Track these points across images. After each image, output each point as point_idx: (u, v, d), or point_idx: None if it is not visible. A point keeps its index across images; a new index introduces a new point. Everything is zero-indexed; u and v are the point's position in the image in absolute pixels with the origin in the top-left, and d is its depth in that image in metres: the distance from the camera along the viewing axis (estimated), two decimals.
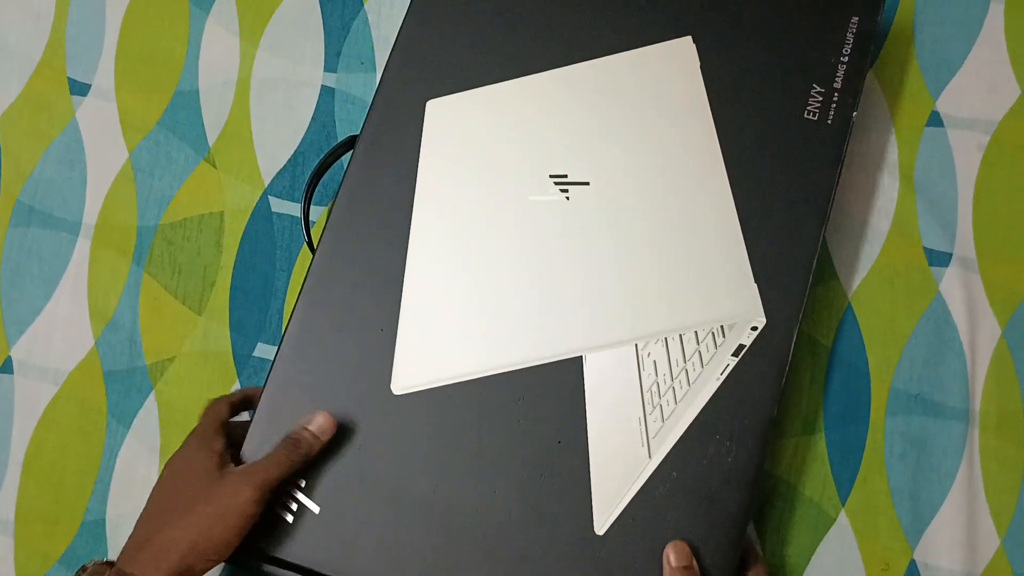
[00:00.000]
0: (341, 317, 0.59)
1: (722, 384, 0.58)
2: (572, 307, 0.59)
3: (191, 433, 0.57)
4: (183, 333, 0.69)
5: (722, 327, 0.59)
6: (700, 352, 0.59)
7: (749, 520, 0.57)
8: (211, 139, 0.72)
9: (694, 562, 0.55)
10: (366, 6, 0.75)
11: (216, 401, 0.59)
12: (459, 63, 0.64)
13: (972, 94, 0.72)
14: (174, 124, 0.73)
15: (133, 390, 0.68)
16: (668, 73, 0.63)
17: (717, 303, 0.59)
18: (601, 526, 0.56)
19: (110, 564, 0.52)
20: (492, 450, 0.57)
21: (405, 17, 0.65)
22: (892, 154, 0.70)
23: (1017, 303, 0.67)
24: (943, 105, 0.72)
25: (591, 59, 0.64)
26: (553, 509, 0.56)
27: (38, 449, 0.67)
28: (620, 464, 0.57)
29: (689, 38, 0.64)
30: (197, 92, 0.74)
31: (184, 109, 0.73)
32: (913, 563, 0.63)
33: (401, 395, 0.58)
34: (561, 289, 0.60)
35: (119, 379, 0.68)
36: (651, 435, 0.57)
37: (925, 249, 0.68)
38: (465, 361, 0.58)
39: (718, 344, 0.59)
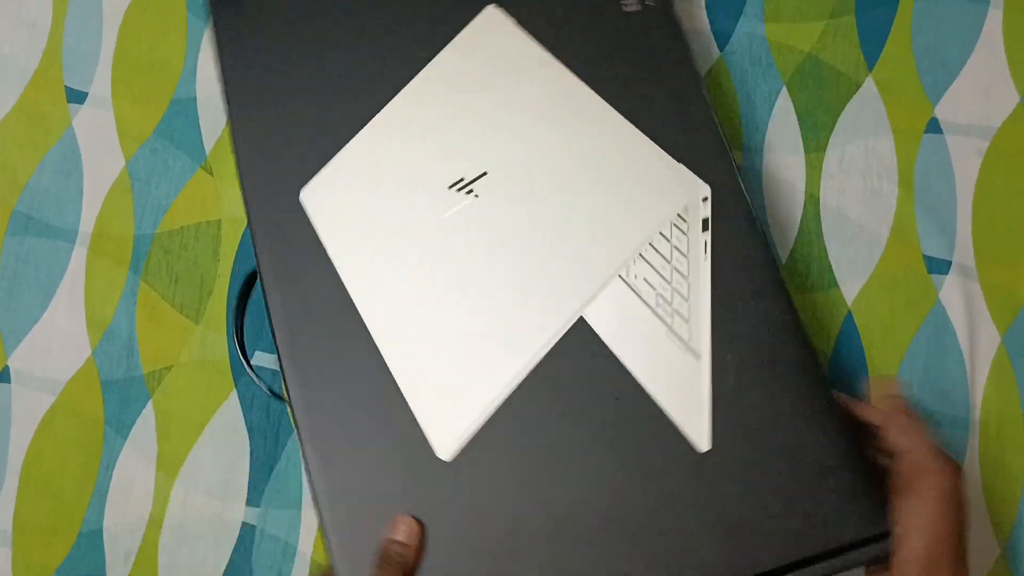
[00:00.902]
0: (350, 429, 0.56)
1: (713, 260, 0.58)
2: (543, 283, 0.58)
3: None
4: (180, 342, 0.69)
5: (679, 216, 0.59)
6: (676, 247, 0.59)
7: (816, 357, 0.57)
8: (208, 147, 0.72)
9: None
10: None
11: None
12: (304, 141, 0.61)
13: (970, 100, 0.72)
14: (171, 132, 0.73)
15: (130, 399, 0.67)
16: (494, 43, 0.64)
17: (661, 199, 0.60)
18: (703, 442, 0.55)
19: None
20: (565, 447, 0.55)
21: (230, 122, 0.63)
22: (891, 160, 0.70)
23: (1016, 310, 0.67)
24: (942, 111, 0.71)
25: (418, 71, 0.63)
26: (652, 460, 0.54)
27: (36, 459, 0.67)
28: (680, 380, 0.56)
29: (492, 6, 0.64)
30: (194, 100, 0.73)
31: (181, 117, 0.73)
32: None
33: (451, 459, 0.55)
34: (523, 275, 0.59)
35: (116, 388, 0.68)
36: (687, 339, 0.57)
37: (924, 256, 0.68)
38: (484, 389, 0.57)
39: (686, 231, 0.59)
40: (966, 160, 0.70)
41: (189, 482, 0.66)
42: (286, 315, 0.57)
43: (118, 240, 0.71)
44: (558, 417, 0.55)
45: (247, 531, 0.65)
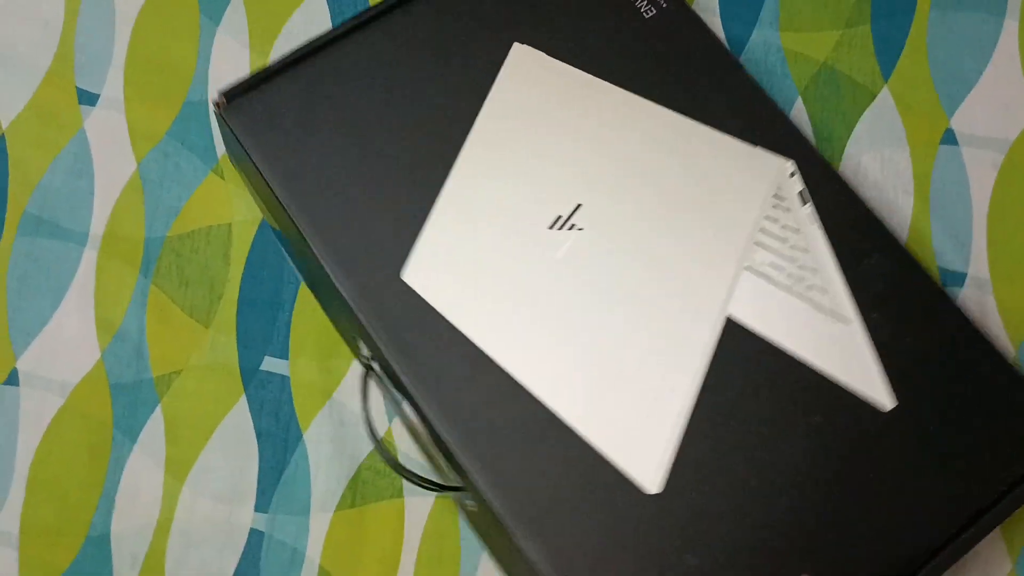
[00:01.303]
0: (550, 497, 0.55)
1: (823, 227, 0.60)
2: (677, 293, 0.59)
3: None
4: (190, 346, 0.68)
5: (776, 196, 0.61)
6: (785, 226, 0.60)
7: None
8: (220, 151, 0.72)
9: None
10: None
11: None
12: (385, 227, 0.61)
13: (987, 112, 0.72)
14: (183, 135, 0.73)
15: (139, 403, 0.67)
16: (535, 77, 0.64)
17: (753, 185, 0.61)
18: (887, 400, 0.56)
19: None
20: (760, 446, 0.56)
21: (306, 244, 0.62)
22: (907, 171, 0.70)
23: None
24: (957, 123, 0.71)
25: (470, 125, 0.63)
26: (845, 435, 0.56)
27: (43, 462, 0.67)
28: (841, 348, 0.58)
29: (517, 44, 0.65)
30: (207, 103, 0.73)
31: (193, 120, 0.73)
32: None
33: (660, 490, 0.55)
34: (654, 292, 0.59)
35: (125, 392, 0.67)
36: (832, 308, 0.58)
37: (939, 269, 0.68)
38: (666, 412, 0.56)
39: (788, 208, 0.61)
40: (982, 172, 0.70)
41: (197, 487, 0.65)
42: (438, 401, 0.56)
43: (129, 243, 0.70)
44: (743, 419, 0.56)
45: (255, 536, 0.65)
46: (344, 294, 0.58)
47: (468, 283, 0.59)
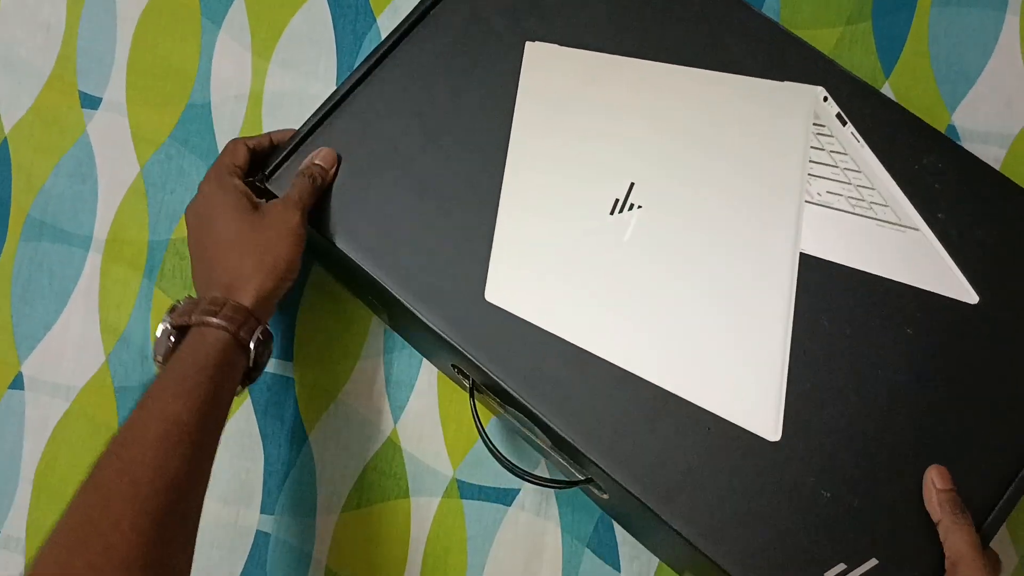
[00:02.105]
0: (688, 468, 0.57)
1: (868, 142, 0.62)
2: (748, 244, 0.60)
3: (209, 177, 0.60)
4: None
5: (815, 125, 0.62)
6: (832, 152, 0.61)
7: None
8: None
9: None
10: (378, 20, 0.75)
11: (236, 143, 0.62)
12: (457, 258, 0.61)
13: (988, 107, 0.71)
14: (186, 138, 0.73)
15: None
16: (556, 68, 0.64)
17: (791, 120, 0.63)
18: (971, 295, 0.59)
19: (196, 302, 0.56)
20: (866, 373, 0.57)
21: (394, 299, 0.62)
22: None
23: None
24: (959, 118, 0.71)
25: (507, 130, 0.63)
26: (941, 339, 0.58)
27: (49, 466, 0.67)
28: (918, 256, 0.60)
29: (529, 43, 0.65)
30: (209, 106, 0.73)
31: (196, 123, 0.73)
32: None
33: (780, 438, 0.57)
34: (726, 247, 0.60)
35: (130, 396, 0.67)
36: (898, 220, 0.60)
37: None
38: (768, 362, 0.58)
39: (830, 133, 0.62)
40: None
41: None
42: (554, 408, 0.57)
43: (133, 246, 0.71)
44: (838, 348, 0.58)
45: (261, 538, 0.65)
46: (439, 331, 0.58)
47: (548, 287, 0.59)
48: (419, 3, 0.65)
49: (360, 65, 0.64)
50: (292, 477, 0.66)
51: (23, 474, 0.66)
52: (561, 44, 0.65)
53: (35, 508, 0.66)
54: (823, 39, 0.73)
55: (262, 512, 0.65)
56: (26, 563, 0.65)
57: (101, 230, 0.71)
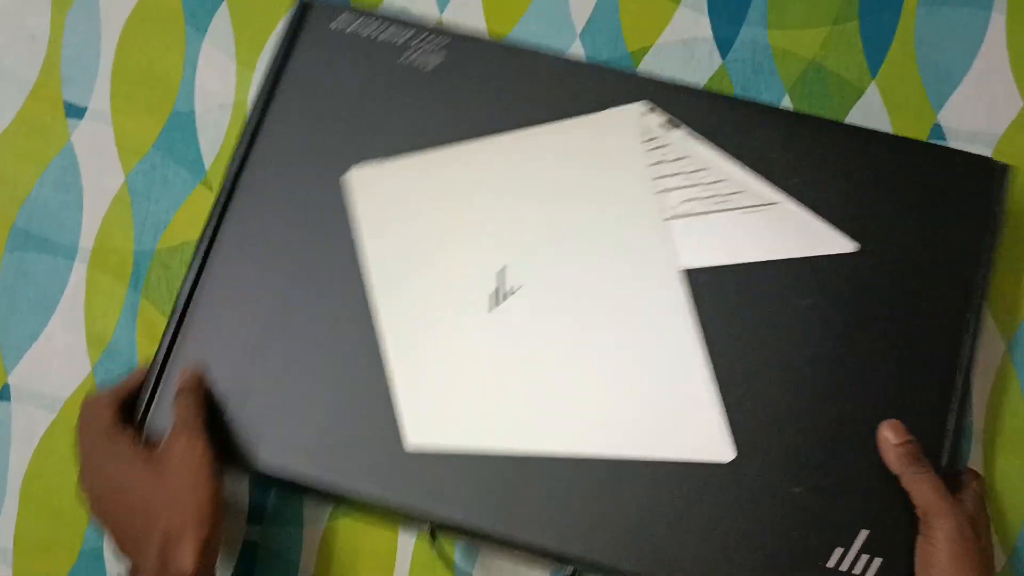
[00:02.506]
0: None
1: (702, 138, 0.63)
2: (638, 288, 0.60)
3: (90, 449, 0.57)
4: None
5: (649, 140, 0.63)
6: (674, 159, 0.62)
7: None
8: (207, 162, 0.72)
9: (911, 436, 0.56)
10: None
11: (92, 401, 0.59)
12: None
13: (974, 107, 0.71)
14: (170, 147, 0.73)
15: None
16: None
17: (625, 146, 0.62)
18: (849, 246, 0.60)
19: None
20: (777, 356, 0.59)
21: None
22: None
23: (1021, 318, 0.67)
24: (945, 118, 0.71)
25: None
26: (836, 299, 0.59)
27: (36, 477, 0.67)
28: (787, 228, 0.61)
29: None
30: (193, 115, 0.73)
31: (180, 131, 0.73)
32: None
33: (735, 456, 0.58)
34: (616, 294, 0.60)
35: None
36: (759, 202, 0.61)
37: None
38: (694, 387, 0.58)
39: (664, 141, 0.63)
40: None
41: None
42: (521, 524, 0.57)
43: (118, 255, 0.70)
44: (752, 344, 0.59)
45: (248, 549, 0.65)
46: (382, 502, 0.58)
47: (463, 407, 0.59)
48: (225, 177, 0.64)
49: (191, 265, 0.62)
50: (279, 487, 0.66)
51: (10, 485, 0.67)
52: (383, 158, 0.64)
53: (22, 519, 0.66)
54: (810, 39, 0.73)
55: (249, 522, 0.65)
56: (14, 574, 0.65)
57: (86, 240, 0.71)
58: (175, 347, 0.61)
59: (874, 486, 0.56)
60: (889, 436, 0.56)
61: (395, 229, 0.62)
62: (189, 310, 0.61)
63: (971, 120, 0.71)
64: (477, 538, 0.59)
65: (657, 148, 0.61)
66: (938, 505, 0.54)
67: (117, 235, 0.71)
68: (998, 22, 0.72)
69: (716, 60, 0.73)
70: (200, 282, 0.62)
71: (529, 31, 0.74)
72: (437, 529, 0.59)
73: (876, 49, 0.73)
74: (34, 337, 0.69)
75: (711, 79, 0.73)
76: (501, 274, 0.60)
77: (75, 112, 0.74)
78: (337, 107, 0.65)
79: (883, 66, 0.73)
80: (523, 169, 0.62)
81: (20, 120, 0.74)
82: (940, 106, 0.71)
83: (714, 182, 0.61)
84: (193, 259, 0.62)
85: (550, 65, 0.65)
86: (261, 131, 0.65)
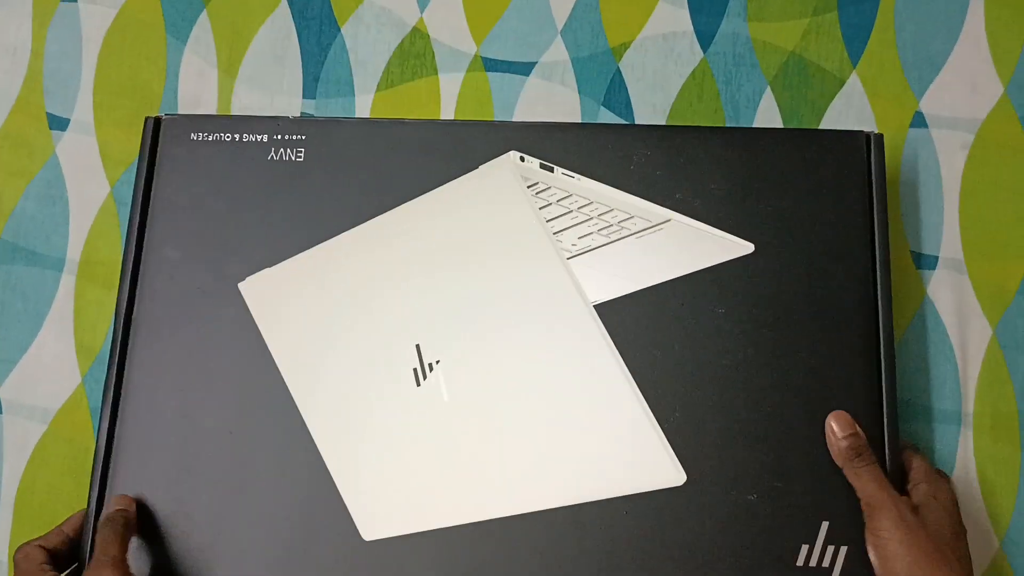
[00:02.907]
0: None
1: (580, 173, 0.63)
2: (556, 333, 0.60)
3: None
4: None
5: (529, 187, 0.62)
6: (557, 203, 0.62)
7: None
8: None
9: (858, 428, 0.57)
10: (343, 30, 0.75)
11: (26, 549, 0.57)
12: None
13: (955, 93, 0.71)
14: None
15: None
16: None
17: (509, 198, 0.62)
18: (747, 248, 0.61)
19: None
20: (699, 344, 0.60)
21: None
22: None
23: (1008, 302, 0.67)
24: (926, 105, 0.71)
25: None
26: (744, 304, 0.61)
27: (29, 489, 0.67)
28: (683, 243, 0.62)
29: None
30: None
31: None
32: None
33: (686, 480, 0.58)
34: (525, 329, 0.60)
35: None
36: (648, 224, 0.62)
37: (912, 253, 0.68)
38: (636, 417, 0.59)
39: (546, 183, 0.62)
40: (952, 154, 0.70)
41: None
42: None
43: (106, 266, 0.71)
44: (678, 363, 0.60)
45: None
46: None
47: (411, 489, 0.59)
48: (116, 312, 0.63)
49: (104, 399, 0.62)
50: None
51: (3, 498, 0.67)
52: (272, 259, 0.63)
53: (16, 532, 0.66)
54: (790, 31, 0.73)
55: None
56: None
57: (74, 251, 0.71)
58: (107, 486, 0.60)
59: (826, 477, 0.57)
60: (833, 428, 0.57)
61: (299, 331, 0.62)
62: (113, 446, 0.61)
63: (952, 106, 0.71)
64: None
65: (540, 192, 0.62)
66: (878, 496, 0.55)
67: (104, 246, 0.71)
68: (977, 8, 0.73)
69: (697, 54, 0.73)
70: (118, 415, 0.61)
71: (510, 29, 0.74)
72: None
73: (856, 39, 0.73)
74: (24, 349, 0.69)
75: (693, 73, 0.73)
76: (419, 352, 0.60)
77: (58, 124, 0.74)
78: (218, 214, 0.64)
79: (863, 55, 0.73)
80: (414, 244, 0.62)
81: (3, 134, 0.74)
82: (922, 93, 0.72)
83: (603, 213, 0.61)
84: (104, 393, 0.62)
85: (414, 131, 0.65)
86: (145, 255, 0.64)
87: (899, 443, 0.59)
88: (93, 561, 0.55)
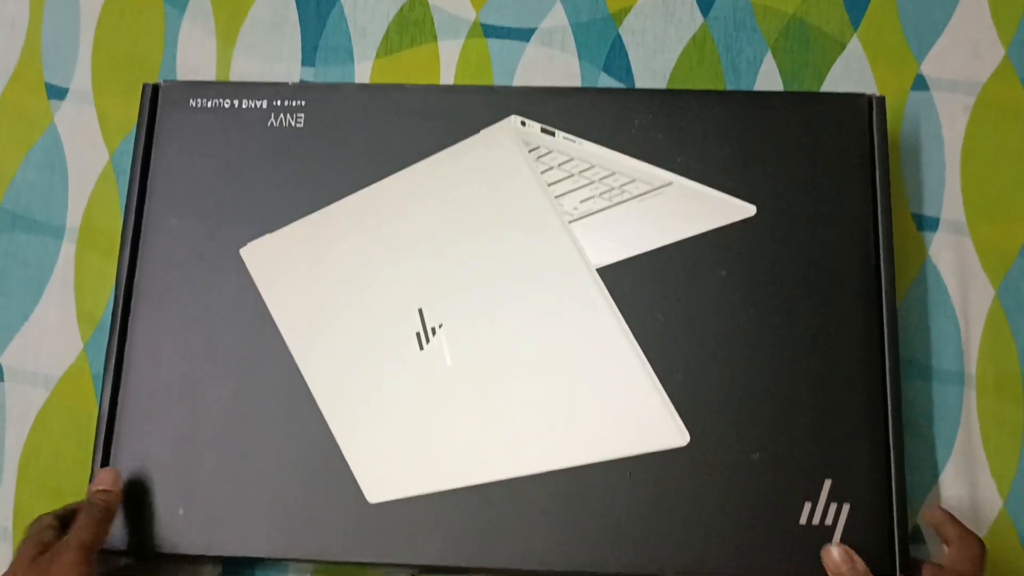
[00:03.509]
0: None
1: (581, 137, 0.63)
2: (558, 296, 0.60)
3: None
4: None
5: (530, 152, 0.62)
6: (559, 166, 0.62)
7: None
8: None
9: (856, 558, 0.55)
10: None
11: (43, 516, 0.58)
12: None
13: (956, 56, 0.71)
14: None
15: None
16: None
17: (510, 162, 0.62)
18: (749, 212, 0.62)
19: None
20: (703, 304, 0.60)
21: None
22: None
23: (1009, 263, 0.67)
24: (927, 68, 0.71)
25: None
26: (746, 268, 0.61)
27: (33, 456, 0.67)
28: (688, 207, 0.62)
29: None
30: None
31: None
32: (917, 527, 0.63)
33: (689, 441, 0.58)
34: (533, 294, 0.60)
35: None
36: (650, 187, 0.62)
37: (913, 215, 0.68)
38: (640, 379, 0.59)
39: (546, 148, 0.63)
40: (953, 116, 0.70)
41: None
42: (501, 554, 0.58)
43: (106, 234, 0.71)
44: (686, 325, 0.60)
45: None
46: (359, 560, 0.58)
47: (416, 452, 0.59)
48: (117, 279, 0.63)
49: (106, 369, 0.62)
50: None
51: (7, 465, 0.67)
52: (273, 225, 0.63)
53: (20, 498, 0.66)
54: None
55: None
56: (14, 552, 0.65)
57: (74, 219, 0.71)
58: (110, 452, 0.60)
59: (828, 434, 0.57)
60: (833, 564, 0.55)
61: (301, 296, 0.62)
62: (116, 412, 0.61)
63: (953, 69, 0.71)
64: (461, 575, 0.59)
65: (541, 156, 0.62)
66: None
67: (104, 214, 0.71)
68: None
69: (698, 18, 0.73)
70: (120, 382, 0.61)
71: None
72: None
73: (857, 2, 0.73)
74: (25, 317, 0.69)
75: (693, 38, 0.72)
76: (422, 316, 0.60)
77: (57, 93, 0.74)
78: (218, 180, 0.64)
79: (864, 19, 0.73)
80: (416, 209, 0.62)
81: (2, 103, 0.74)
82: (923, 56, 0.71)
83: (605, 177, 0.61)
84: (106, 360, 0.62)
85: (415, 96, 0.65)
86: (146, 223, 0.64)
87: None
88: (63, 541, 0.55)
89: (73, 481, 0.66)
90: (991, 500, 0.63)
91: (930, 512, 0.58)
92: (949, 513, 0.58)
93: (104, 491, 0.58)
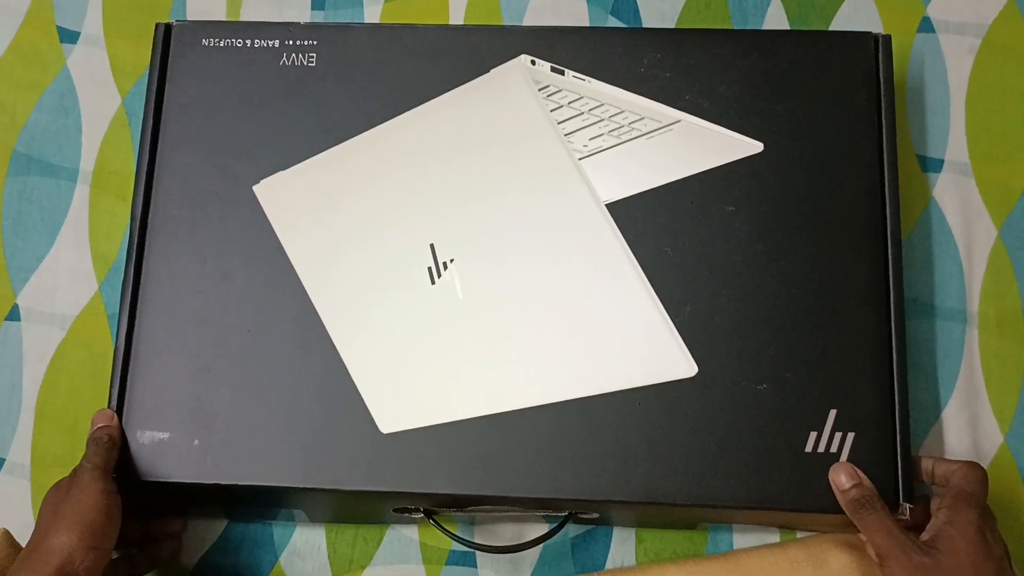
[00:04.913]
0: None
1: (591, 76, 0.64)
2: (569, 231, 0.61)
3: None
4: None
5: (540, 90, 0.63)
6: (568, 105, 0.63)
7: None
8: None
9: (862, 476, 0.56)
10: None
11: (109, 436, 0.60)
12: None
13: None
14: None
15: None
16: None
17: (519, 100, 0.63)
18: (755, 148, 0.62)
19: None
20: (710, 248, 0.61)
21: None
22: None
23: (1012, 204, 0.68)
24: (933, 10, 0.71)
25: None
26: (754, 201, 0.61)
27: (50, 394, 0.68)
28: (694, 144, 0.62)
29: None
30: None
31: None
32: None
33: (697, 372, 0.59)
34: (547, 229, 0.61)
35: None
36: (659, 125, 0.62)
37: (917, 156, 0.69)
38: (647, 311, 0.60)
39: (556, 86, 0.63)
40: (959, 58, 0.70)
41: None
42: (514, 481, 0.58)
43: (119, 176, 0.71)
44: (693, 259, 0.61)
45: None
46: (372, 489, 0.59)
47: (427, 383, 0.60)
48: (132, 216, 0.64)
49: (121, 305, 0.62)
50: None
51: (24, 403, 0.68)
52: (286, 162, 0.64)
53: (38, 435, 0.67)
54: None
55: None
56: (32, 489, 0.66)
57: (87, 162, 0.72)
58: (126, 389, 0.61)
59: (834, 366, 0.58)
60: (839, 480, 0.56)
61: (314, 231, 0.62)
62: (132, 348, 0.62)
63: (959, 11, 0.71)
64: (472, 508, 0.60)
65: (551, 95, 0.62)
66: (886, 545, 0.54)
67: (117, 157, 0.72)
68: None
69: None
70: (136, 319, 0.62)
71: None
72: (432, 512, 0.61)
73: None
74: (41, 258, 0.70)
75: None
76: (433, 251, 0.61)
77: (69, 37, 0.74)
78: (231, 119, 0.64)
79: None
80: (428, 147, 0.63)
81: (15, 48, 0.74)
82: None
83: (614, 115, 0.62)
84: (122, 297, 0.62)
85: (426, 36, 0.65)
86: (159, 161, 0.64)
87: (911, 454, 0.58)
88: (78, 465, 0.57)
89: (89, 418, 0.66)
90: (992, 435, 0.64)
91: (922, 462, 0.59)
92: (935, 457, 0.60)
93: (103, 426, 0.60)
